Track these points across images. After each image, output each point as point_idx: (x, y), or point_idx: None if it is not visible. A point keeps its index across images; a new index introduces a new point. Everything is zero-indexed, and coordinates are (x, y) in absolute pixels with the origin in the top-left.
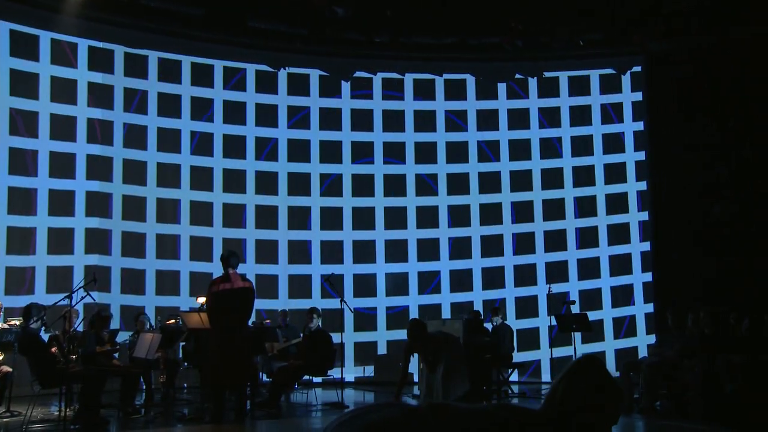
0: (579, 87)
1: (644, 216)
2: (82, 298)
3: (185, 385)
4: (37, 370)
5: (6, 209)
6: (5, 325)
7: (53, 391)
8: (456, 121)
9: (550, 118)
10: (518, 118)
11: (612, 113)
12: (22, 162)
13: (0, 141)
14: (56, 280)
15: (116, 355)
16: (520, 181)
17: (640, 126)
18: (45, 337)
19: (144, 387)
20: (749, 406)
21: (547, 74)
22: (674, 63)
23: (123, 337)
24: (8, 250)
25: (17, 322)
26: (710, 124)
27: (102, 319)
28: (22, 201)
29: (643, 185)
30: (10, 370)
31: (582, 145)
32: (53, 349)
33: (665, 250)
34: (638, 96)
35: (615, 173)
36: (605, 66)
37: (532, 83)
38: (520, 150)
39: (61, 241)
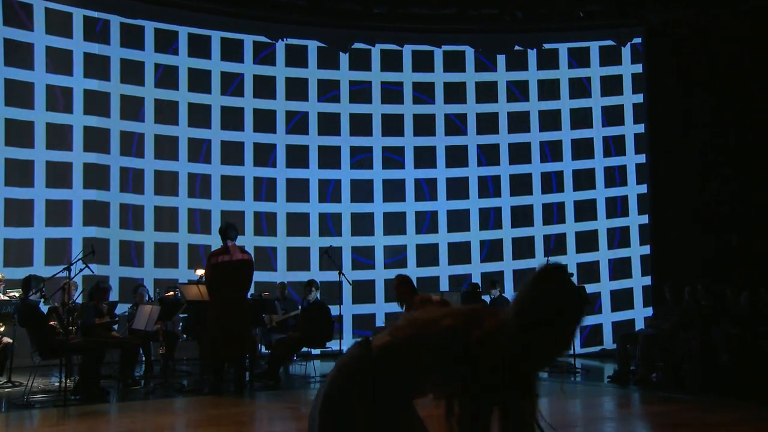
0: (579, 59)
1: (643, 189)
2: (81, 270)
3: (184, 357)
4: (36, 342)
5: (3, 181)
6: (5, 297)
7: (53, 362)
8: (455, 94)
9: (549, 90)
10: (518, 91)
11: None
12: (18, 134)
13: None
14: (55, 252)
15: (115, 326)
16: (519, 154)
17: (640, 98)
18: (44, 308)
19: (143, 359)
20: (745, 377)
21: (546, 46)
22: (673, 36)
23: (122, 309)
24: (6, 222)
25: (16, 294)
26: (708, 100)
27: (101, 290)
28: (19, 173)
29: (642, 158)
30: (11, 341)
31: (582, 118)
32: (52, 322)
33: (663, 226)
34: (638, 68)
35: (614, 146)
36: (605, 38)
37: (532, 55)
38: (519, 123)
39: (59, 213)
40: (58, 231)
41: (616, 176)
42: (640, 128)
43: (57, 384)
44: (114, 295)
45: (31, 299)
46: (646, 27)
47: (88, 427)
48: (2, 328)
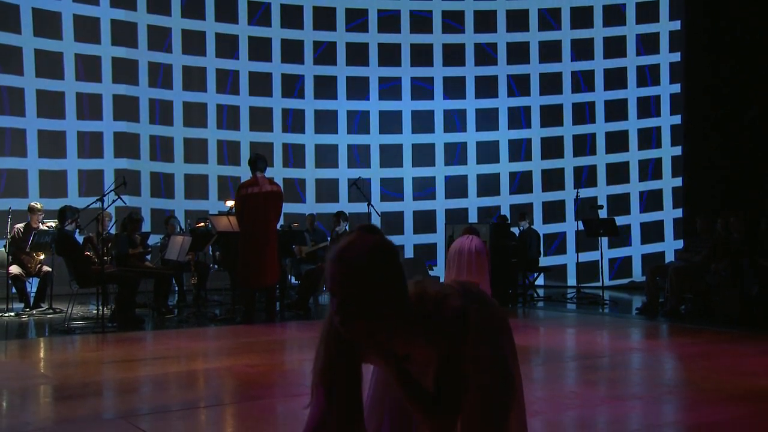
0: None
1: (677, 119)
2: (114, 201)
3: (218, 288)
4: (74, 270)
5: (36, 113)
6: (43, 227)
7: (90, 290)
8: (485, 23)
9: (582, 18)
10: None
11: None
12: (49, 67)
13: (26, 43)
14: (88, 183)
15: (148, 257)
16: (550, 83)
17: (677, 25)
18: (79, 239)
19: (176, 288)
20: None
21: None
22: None
23: (154, 239)
24: (41, 153)
25: (53, 224)
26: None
27: (133, 221)
28: (51, 104)
29: (676, 87)
30: (50, 269)
31: (615, 48)
32: (87, 252)
33: (696, 157)
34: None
35: (648, 74)
36: None
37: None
38: (550, 53)
39: (91, 145)
40: (91, 163)
41: (650, 108)
42: (676, 56)
43: (94, 311)
44: (146, 226)
45: (67, 229)
46: None
47: (125, 352)
48: (42, 257)
